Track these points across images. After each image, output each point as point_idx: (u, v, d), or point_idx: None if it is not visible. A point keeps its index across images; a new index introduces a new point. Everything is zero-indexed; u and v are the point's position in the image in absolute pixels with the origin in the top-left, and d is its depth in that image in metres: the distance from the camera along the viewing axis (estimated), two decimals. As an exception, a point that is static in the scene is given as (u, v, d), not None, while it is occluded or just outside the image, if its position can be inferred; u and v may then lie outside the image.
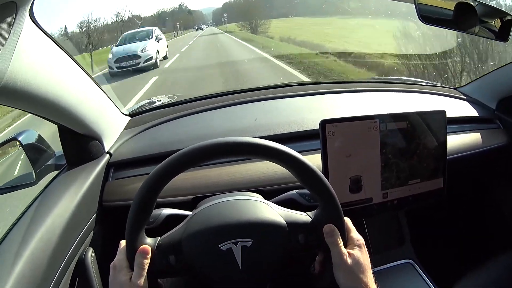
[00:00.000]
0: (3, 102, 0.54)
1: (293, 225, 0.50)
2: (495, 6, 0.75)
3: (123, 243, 0.49)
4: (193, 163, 0.49)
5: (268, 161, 0.51)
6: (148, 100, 1.28)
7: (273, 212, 0.51)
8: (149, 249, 0.47)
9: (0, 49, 0.44)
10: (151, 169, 0.79)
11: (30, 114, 0.65)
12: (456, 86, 1.17)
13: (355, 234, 0.52)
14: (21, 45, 0.48)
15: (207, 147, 0.48)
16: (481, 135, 0.97)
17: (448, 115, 0.79)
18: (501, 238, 1.04)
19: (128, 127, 0.95)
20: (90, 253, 0.71)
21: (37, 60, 0.54)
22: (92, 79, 0.75)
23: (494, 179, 1.08)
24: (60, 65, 0.63)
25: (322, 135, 0.69)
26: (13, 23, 0.45)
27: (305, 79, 5.69)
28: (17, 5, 0.44)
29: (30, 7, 0.49)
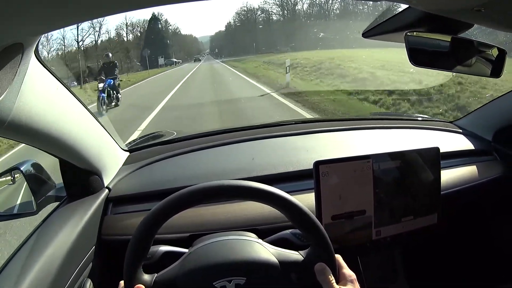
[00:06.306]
0: (9, 137, 0.57)
1: (285, 264, 0.52)
2: (487, 42, 0.75)
3: (122, 284, 0.51)
4: (191, 204, 0.51)
5: None
6: (146, 135, 1.30)
7: (266, 252, 0.53)
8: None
9: (7, 88, 0.46)
10: (150, 205, 0.81)
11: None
12: (452, 120, 1.18)
13: (347, 270, 0.53)
14: (26, 83, 0.50)
15: (205, 189, 0.51)
16: (477, 168, 0.97)
17: (444, 150, 0.79)
18: (499, 271, 1.03)
19: (127, 163, 0.97)
20: (89, 284, 0.72)
21: (41, 97, 0.56)
22: (93, 115, 0.77)
23: (491, 211, 1.08)
24: (63, 101, 0.65)
25: (316, 175, 0.70)
26: (20, 63, 0.47)
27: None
28: (24, 46, 0.46)
29: (36, 46, 0.51)
